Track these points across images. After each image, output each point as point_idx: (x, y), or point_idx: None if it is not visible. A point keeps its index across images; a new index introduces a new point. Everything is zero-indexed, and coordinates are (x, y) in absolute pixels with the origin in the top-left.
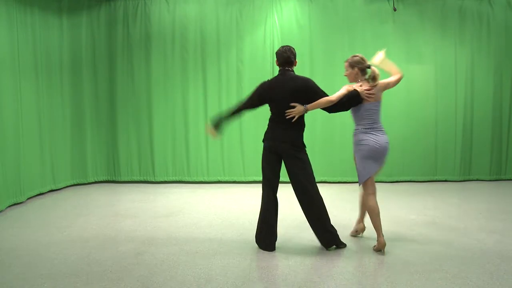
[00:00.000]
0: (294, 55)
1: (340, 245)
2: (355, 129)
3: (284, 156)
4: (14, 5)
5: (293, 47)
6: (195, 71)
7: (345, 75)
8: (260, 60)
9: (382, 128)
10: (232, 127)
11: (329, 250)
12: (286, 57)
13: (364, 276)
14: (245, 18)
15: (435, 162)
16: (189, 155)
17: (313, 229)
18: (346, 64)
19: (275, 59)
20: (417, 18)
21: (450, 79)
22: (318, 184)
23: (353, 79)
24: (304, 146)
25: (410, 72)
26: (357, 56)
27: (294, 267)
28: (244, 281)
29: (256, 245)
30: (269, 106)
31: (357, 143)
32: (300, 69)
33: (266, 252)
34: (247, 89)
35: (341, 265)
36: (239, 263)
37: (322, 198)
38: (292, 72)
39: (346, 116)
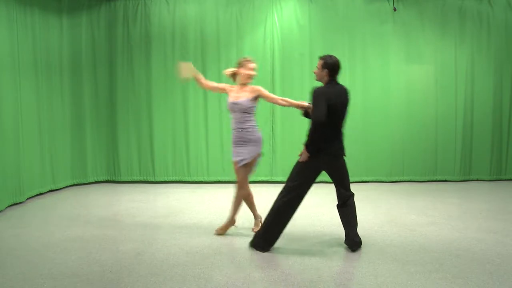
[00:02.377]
0: None
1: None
2: (254, 126)
3: (340, 160)
4: (14, 5)
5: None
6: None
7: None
8: (260, 60)
9: None
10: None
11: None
12: (340, 67)
13: (364, 276)
14: (245, 18)
15: (435, 162)
16: (189, 155)
17: (347, 228)
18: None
19: (325, 68)
20: (417, 18)
21: (450, 79)
22: (318, 184)
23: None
24: None
25: (410, 72)
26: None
27: (294, 267)
28: (244, 281)
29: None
30: (330, 114)
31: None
32: (300, 70)
33: (266, 253)
34: None
35: (341, 265)
36: (239, 263)
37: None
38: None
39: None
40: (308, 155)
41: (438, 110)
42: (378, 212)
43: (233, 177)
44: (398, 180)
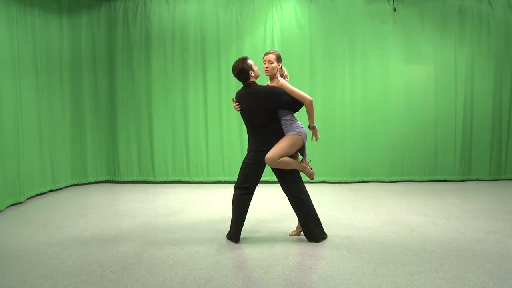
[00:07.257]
0: (244, 69)
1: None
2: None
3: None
4: (14, 5)
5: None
6: (195, 71)
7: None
8: (260, 60)
9: None
10: (232, 127)
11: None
12: (235, 74)
13: (364, 276)
14: (245, 18)
15: (435, 162)
16: (189, 155)
17: (300, 223)
18: (273, 57)
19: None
20: (417, 18)
21: (450, 79)
22: (318, 184)
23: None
24: None
25: (410, 72)
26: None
27: (294, 267)
28: (244, 281)
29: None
30: (242, 117)
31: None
32: (300, 69)
33: (266, 253)
34: None
35: (341, 265)
36: (239, 263)
37: (309, 197)
38: (254, 84)
39: (345, 117)
40: None
41: (438, 110)
42: (378, 212)
43: (233, 177)
44: (398, 180)
